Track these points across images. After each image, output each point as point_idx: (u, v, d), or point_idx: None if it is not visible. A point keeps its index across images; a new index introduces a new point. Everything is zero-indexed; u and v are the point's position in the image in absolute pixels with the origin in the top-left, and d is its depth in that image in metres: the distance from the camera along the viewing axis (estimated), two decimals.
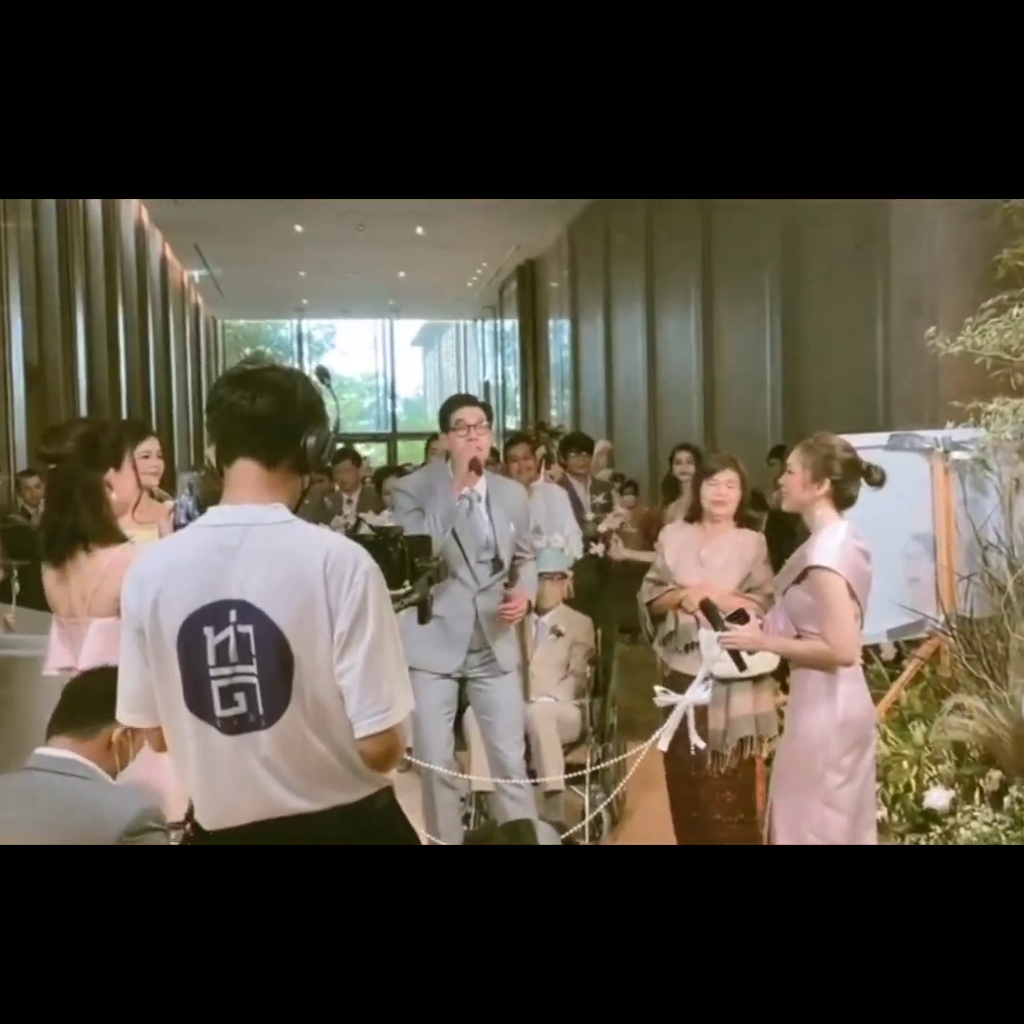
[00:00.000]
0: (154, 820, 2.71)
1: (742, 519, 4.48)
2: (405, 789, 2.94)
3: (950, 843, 4.08)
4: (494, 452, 7.88)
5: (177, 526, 3.98)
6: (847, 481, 3.59)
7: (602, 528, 7.14)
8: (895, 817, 4.33)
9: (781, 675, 4.19)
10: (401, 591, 2.78)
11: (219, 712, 2.20)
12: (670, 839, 4.46)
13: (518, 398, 24.99)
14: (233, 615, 2.19)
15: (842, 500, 3.59)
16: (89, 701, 2.87)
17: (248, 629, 2.18)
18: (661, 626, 4.44)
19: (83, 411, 12.19)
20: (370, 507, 7.68)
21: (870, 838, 3.65)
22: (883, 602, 4.25)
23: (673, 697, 4.30)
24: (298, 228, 17.76)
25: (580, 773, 5.02)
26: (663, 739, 4.29)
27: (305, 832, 2.22)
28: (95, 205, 13.92)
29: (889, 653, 5.13)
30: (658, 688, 4.38)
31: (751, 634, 3.74)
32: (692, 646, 4.31)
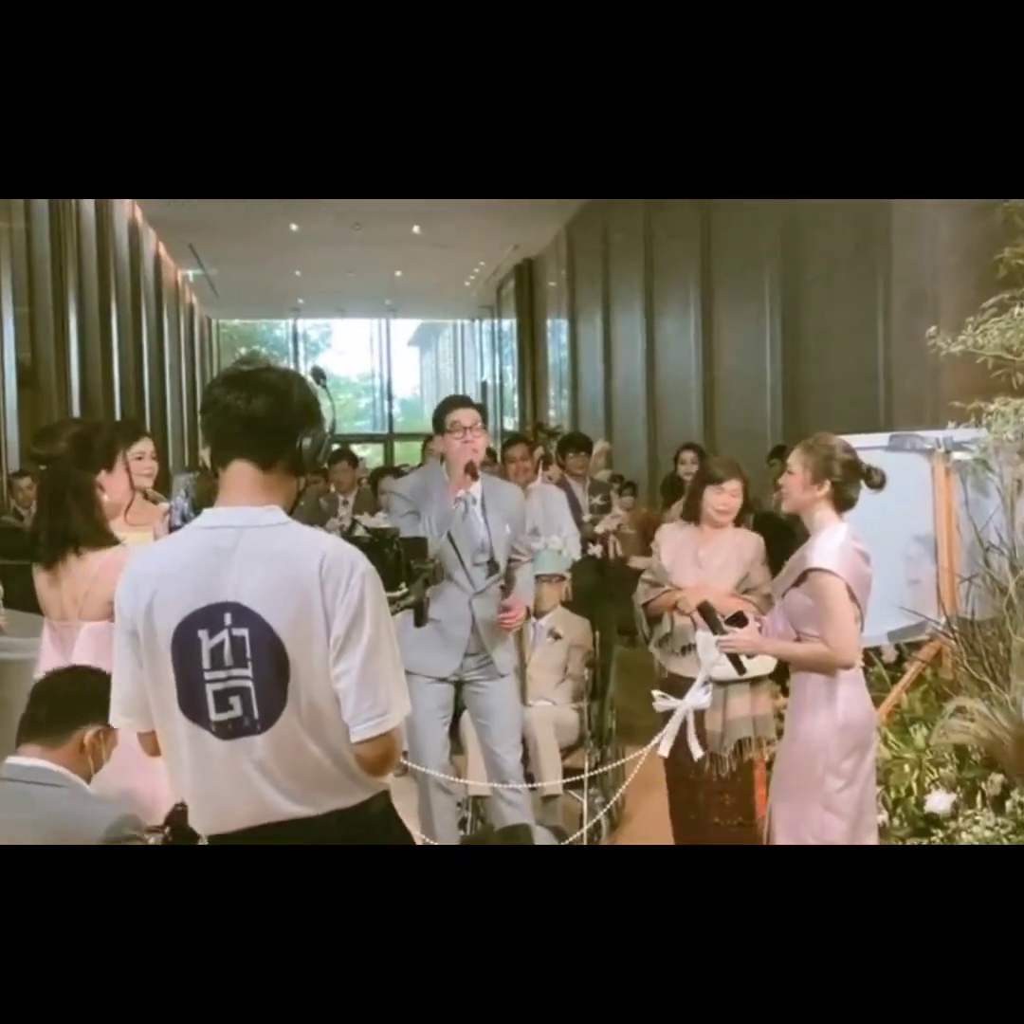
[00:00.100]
0: (132, 828, 2.68)
1: (739, 520, 4.49)
2: (401, 794, 2.93)
3: None
4: (492, 453, 7.86)
5: (173, 528, 3.96)
6: (847, 483, 3.57)
7: (599, 529, 7.12)
8: (896, 821, 4.30)
9: (781, 678, 4.17)
10: (397, 594, 2.76)
11: (214, 716, 2.19)
12: (669, 843, 4.43)
13: (516, 398, 25.00)
14: (228, 618, 2.18)
15: (842, 502, 3.58)
16: (58, 703, 2.83)
17: (243, 632, 2.17)
18: (657, 627, 4.44)
19: (76, 411, 12.17)
20: (366, 509, 7.65)
21: (871, 842, 3.63)
22: (884, 604, 4.23)
23: (672, 702, 4.28)
24: (294, 227, 17.74)
25: (578, 778, 4.99)
26: (664, 744, 4.27)
27: (300, 837, 2.21)
28: (88, 204, 13.88)
29: (890, 656, 5.11)
30: (656, 693, 4.35)
31: (750, 637, 3.72)
32: (689, 648, 4.29)
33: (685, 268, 12.85)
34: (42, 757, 2.78)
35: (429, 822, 4.52)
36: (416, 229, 17.86)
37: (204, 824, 2.28)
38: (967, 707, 4.41)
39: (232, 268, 22.04)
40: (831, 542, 3.50)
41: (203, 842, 2.33)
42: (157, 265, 19.92)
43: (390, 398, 31.92)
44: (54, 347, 12.23)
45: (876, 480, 3.64)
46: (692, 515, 4.48)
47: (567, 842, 4.75)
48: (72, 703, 2.82)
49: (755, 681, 4.23)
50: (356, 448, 13.97)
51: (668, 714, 4.28)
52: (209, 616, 2.18)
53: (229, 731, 2.19)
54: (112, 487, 3.53)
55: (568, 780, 5.02)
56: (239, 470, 2.26)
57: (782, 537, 4.70)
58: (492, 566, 4.49)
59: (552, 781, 5.00)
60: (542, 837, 4.74)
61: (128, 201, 16.39)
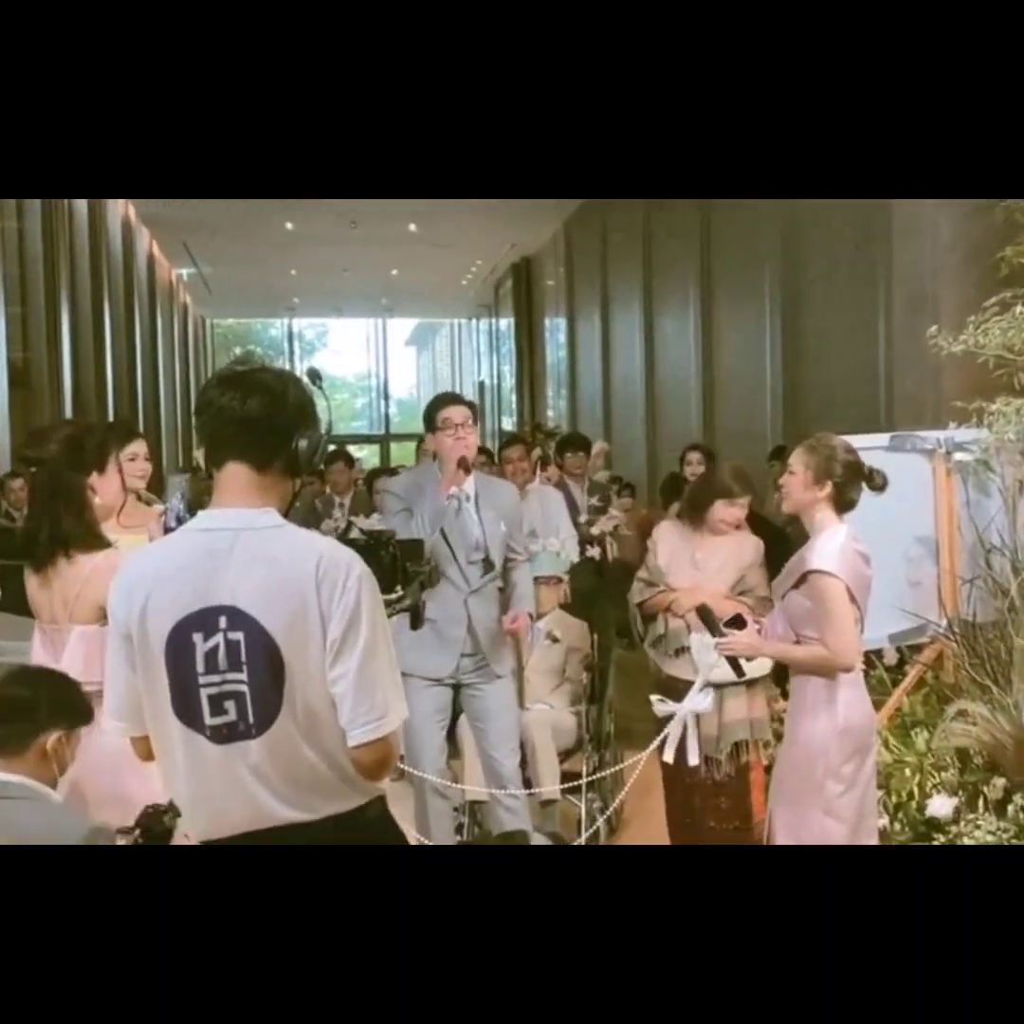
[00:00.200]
0: (104, 838, 2.62)
1: None
2: (398, 799, 2.92)
3: None
4: (489, 453, 7.84)
5: (168, 530, 3.94)
6: (849, 484, 3.56)
7: (595, 530, 7.10)
8: (897, 826, 4.29)
9: (781, 682, 4.15)
10: (393, 596, 2.73)
11: (208, 720, 2.18)
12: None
13: (513, 398, 24.99)
14: (223, 621, 2.16)
15: (843, 503, 3.56)
16: (15, 708, 2.75)
17: (238, 636, 2.16)
18: (651, 627, 4.42)
19: (68, 412, 12.16)
20: (362, 510, 7.63)
21: None
22: (884, 606, 4.23)
23: (672, 706, 4.25)
24: (289, 226, 17.72)
25: (577, 783, 4.96)
26: (668, 750, 4.24)
27: (296, 842, 2.19)
28: (81, 203, 13.86)
29: (891, 658, 5.10)
30: (655, 697, 4.33)
31: (749, 640, 3.70)
32: (683, 650, 4.28)
33: (684, 268, 12.84)
34: (6, 769, 2.69)
35: (426, 827, 4.50)
36: (413, 228, 17.85)
37: (199, 829, 2.27)
38: (969, 710, 4.41)
39: (227, 267, 22.02)
40: (831, 544, 3.48)
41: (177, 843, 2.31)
42: (150, 264, 19.89)
43: (387, 398, 31.92)
44: (46, 347, 12.22)
45: (878, 482, 3.62)
46: (693, 521, 4.45)
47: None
48: (29, 707, 2.74)
49: (751, 683, 4.21)
50: (352, 449, 13.96)
51: (668, 717, 4.25)
52: (204, 619, 2.17)
53: (224, 735, 2.18)
54: (103, 489, 3.49)
55: (566, 785, 5.00)
56: (234, 471, 2.24)
57: (777, 542, 4.68)
58: (487, 564, 4.47)
59: (550, 786, 4.97)
60: (540, 843, 4.70)
61: (121, 199, 16.37)
